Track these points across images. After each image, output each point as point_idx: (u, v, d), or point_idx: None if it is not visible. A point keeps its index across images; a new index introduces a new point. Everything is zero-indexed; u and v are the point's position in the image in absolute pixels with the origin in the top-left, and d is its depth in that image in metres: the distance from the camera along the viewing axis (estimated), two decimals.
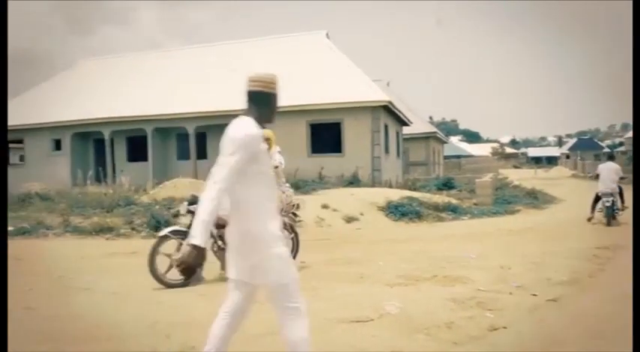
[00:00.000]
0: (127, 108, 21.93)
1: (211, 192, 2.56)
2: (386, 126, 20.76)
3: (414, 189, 17.45)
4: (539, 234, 10.36)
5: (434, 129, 34.89)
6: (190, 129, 21.05)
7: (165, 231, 6.39)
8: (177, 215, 6.70)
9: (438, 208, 13.70)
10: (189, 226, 6.28)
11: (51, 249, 9.54)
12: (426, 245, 9.12)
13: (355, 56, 22.30)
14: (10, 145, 25.58)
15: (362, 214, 12.39)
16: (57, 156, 23.46)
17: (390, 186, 18.39)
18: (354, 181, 17.75)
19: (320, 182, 17.77)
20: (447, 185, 20.51)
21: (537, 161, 78.20)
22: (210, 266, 6.48)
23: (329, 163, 18.77)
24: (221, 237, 6.43)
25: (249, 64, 22.54)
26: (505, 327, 4.30)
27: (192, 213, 6.36)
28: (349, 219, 11.97)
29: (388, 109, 20.58)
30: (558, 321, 4.52)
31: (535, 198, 17.67)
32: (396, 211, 12.91)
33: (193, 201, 6.40)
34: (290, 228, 6.93)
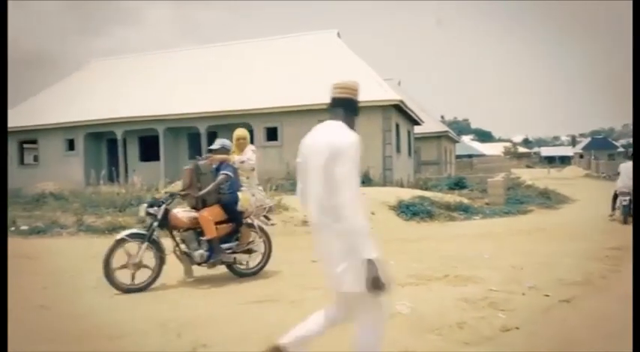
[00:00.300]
0: (139, 108, 22.10)
1: (356, 205, 2.59)
2: (397, 126, 20.70)
3: (426, 189, 17.38)
4: (552, 234, 10.28)
5: (445, 129, 34.71)
6: (202, 128, 21.15)
7: (122, 234, 6.05)
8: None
9: (449, 208, 13.64)
10: (148, 228, 6.03)
11: (65, 248, 9.62)
12: (438, 244, 9.09)
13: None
14: (25, 145, 25.90)
15: (373, 213, 12.36)
16: (70, 156, 23.69)
17: (402, 186, 18.34)
18: (365, 180, 17.67)
19: None
20: (458, 184, 20.41)
21: (550, 160, 77.50)
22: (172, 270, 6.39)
23: None
24: (183, 241, 6.28)
25: (259, 64, 22.70)
26: (517, 328, 4.27)
27: (151, 215, 6.11)
28: None
29: (399, 108, 20.52)
30: (571, 322, 4.49)
31: (548, 198, 17.51)
32: (408, 210, 12.87)
33: (152, 204, 6.21)
34: (261, 231, 6.75)
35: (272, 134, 20.22)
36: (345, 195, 2.58)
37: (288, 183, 17.12)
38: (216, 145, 6.60)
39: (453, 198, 15.10)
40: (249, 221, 6.66)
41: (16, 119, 24.88)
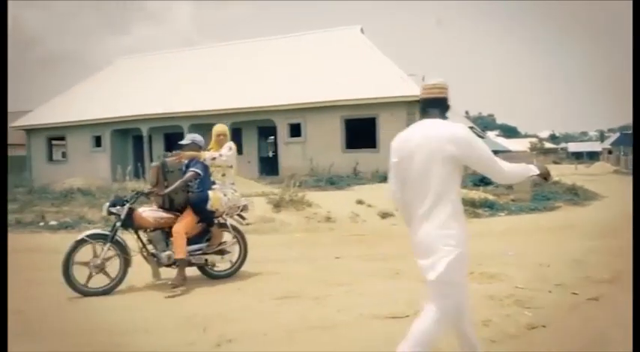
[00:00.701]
0: (164, 105, 22.35)
1: (505, 165, 2.93)
2: None
3: None
4: (579, 231, 10.09)
5: (470, 124, 34.33)
6: (226, 125, 21.27)
7: (82, 235, 5.76)
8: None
9: (474, 204, 13.48)
10: (112, 229, 5.77)
11: None
12: None
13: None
14: (53, 142, 26.46)
15: (397, 210, 12.29)
16: (97, 152, 24.12)
17: None
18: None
19: (355, 177, 17.75)
20: (483, 180, 19.99)
21: (578, 156, 76.05)
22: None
23: (364, 159, 18.70)
24: (150, 241, 6.01)
25: (282, 60, 22.74)
26: (544, 326, 4.21)
27: (113, 214, 5.84)
28: (384, 215, 11.90)
29: None
30: (599, 321, 4.40)
31: (575, 195, 17.15)
32: None
33: (115, 202, 5.90)
34: (235, 231, 6.46)
35: (295, 130, 20.25)
36: (500, 167, 2.91)
37: (311, 179, 17.17)
38: (185, 141, 6.32)
39: (477, 194, 14.91)
40: (221, 220, 6.37)
41: (44, 116, 25.43)
